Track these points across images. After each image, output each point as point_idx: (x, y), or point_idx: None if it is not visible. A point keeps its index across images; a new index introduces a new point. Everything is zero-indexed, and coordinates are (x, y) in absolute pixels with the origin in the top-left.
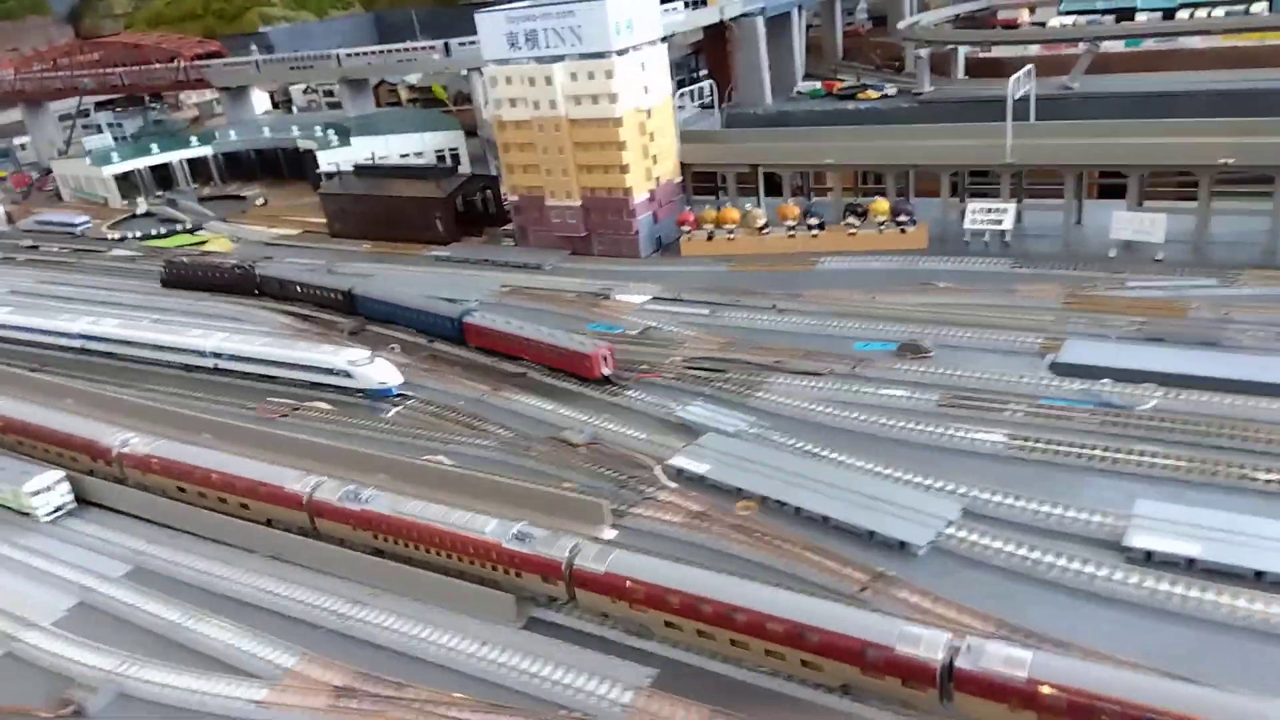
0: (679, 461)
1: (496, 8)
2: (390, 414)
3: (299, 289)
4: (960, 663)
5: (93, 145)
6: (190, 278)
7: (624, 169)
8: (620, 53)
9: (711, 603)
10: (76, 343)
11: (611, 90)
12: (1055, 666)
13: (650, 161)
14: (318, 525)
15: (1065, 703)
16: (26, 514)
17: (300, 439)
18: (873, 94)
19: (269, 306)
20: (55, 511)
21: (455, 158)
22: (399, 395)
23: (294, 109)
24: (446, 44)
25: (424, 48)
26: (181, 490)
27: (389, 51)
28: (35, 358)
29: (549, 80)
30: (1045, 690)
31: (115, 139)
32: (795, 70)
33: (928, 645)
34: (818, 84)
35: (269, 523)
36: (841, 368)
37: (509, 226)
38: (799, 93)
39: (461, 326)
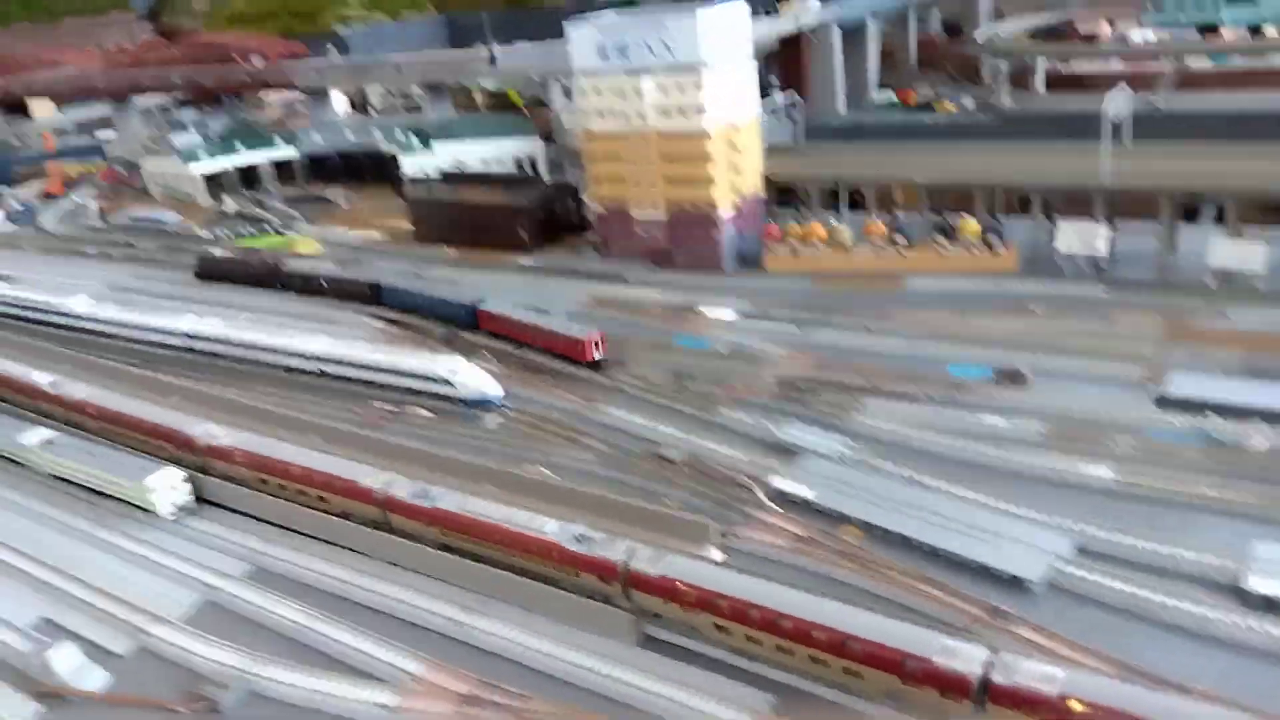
0: (780, 483)
1: (586, 19)
2: (490, 423)
3: (323, 283)
4: (996, 677)
5: (181, 144)
6: (222, 272)
7: (710, 183)
8: (710, 65)
9: (760, 609)
10: (181, 340)
11: (700, 103)
12: (1086, 684)
13: (736, 175)
14: (391, 520)
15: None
16: (147, 510)
17: (412, 447)
18: (950, 106)
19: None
20: (176, 509)
21: (533, 164)
22: (497, 405)
23: (371, 111)
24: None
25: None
26: (264, 482)
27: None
28: (140, 354)
29: (638, 92)
30: (1075, 706)
31: (202, 137)
32: (869, 80)
33: (965, 659)
34: (892, 94)
35: (345, 516)
36: (938, 392)
37: (591, 235)
38: (873, 102)
39: (475, 314)
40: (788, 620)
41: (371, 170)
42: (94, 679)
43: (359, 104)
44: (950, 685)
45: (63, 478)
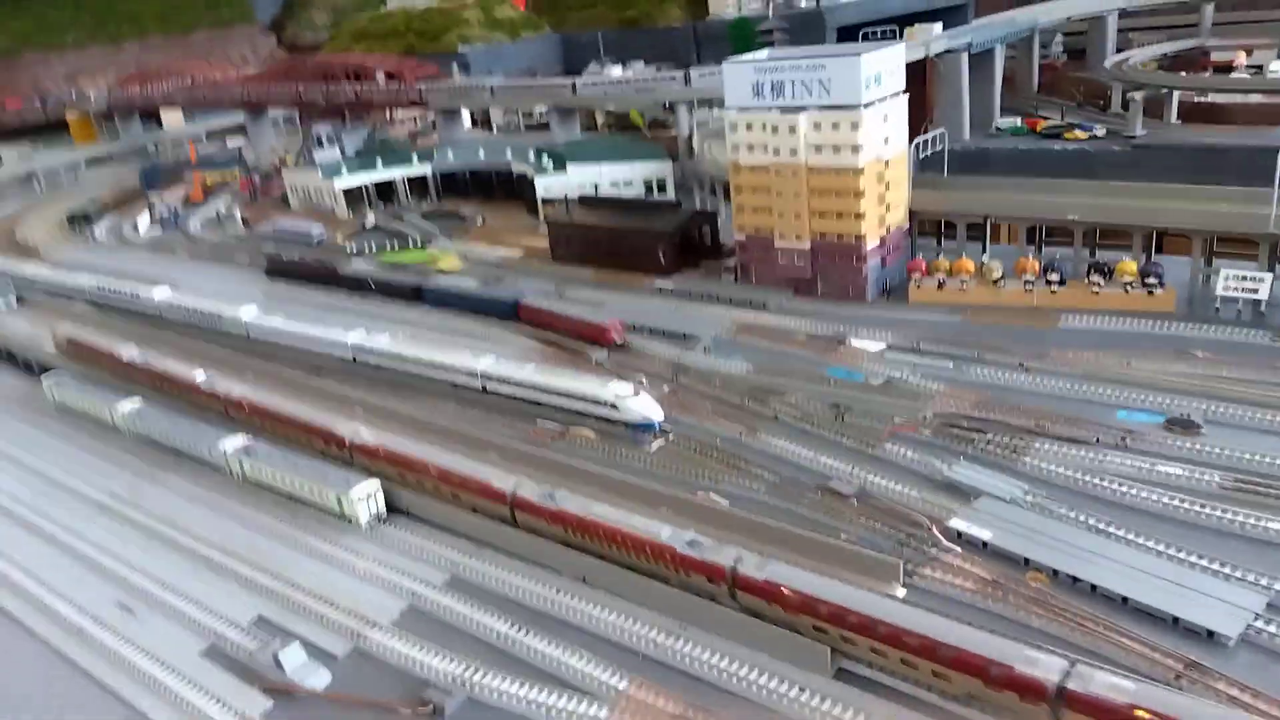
0: (959, 524)
1: (743, 59)
2: (654, 447)
3: (372, 284)
4: (1071, 685)
5: (323, 159)
6: (288, 269)
7: (859, 216)
8: (867, 105)
9: (856, 614)
10: (349, 353)
11: (856, 142)
12: (1154, 697)
13: (883, 209)
14: (517, 519)
15: None
16: (348, 519)
17: (583, 468)
18: (1080, 134)
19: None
20: (373, 518)
21: (661, 186)
22: (660, 429)
23: (494, 128)
24: (687, 74)
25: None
26: (402, 477)
27: (625, 82)
28: (307, 364)
29: (792, 129)
30: (1141, 714)
31: (339, 152)
32: (993, 105)
33: (1045, 667)
34: (1017, 120)
35: (474, 510)
36: (1106, 437)
37: (728, 261)
38: (998, 128)
39: (517, 307)
40: (883, 626)
41: (502, 188)
42: (318, 678)
43: (480, 120)
44: (1030, 690)
45: (259, 483)
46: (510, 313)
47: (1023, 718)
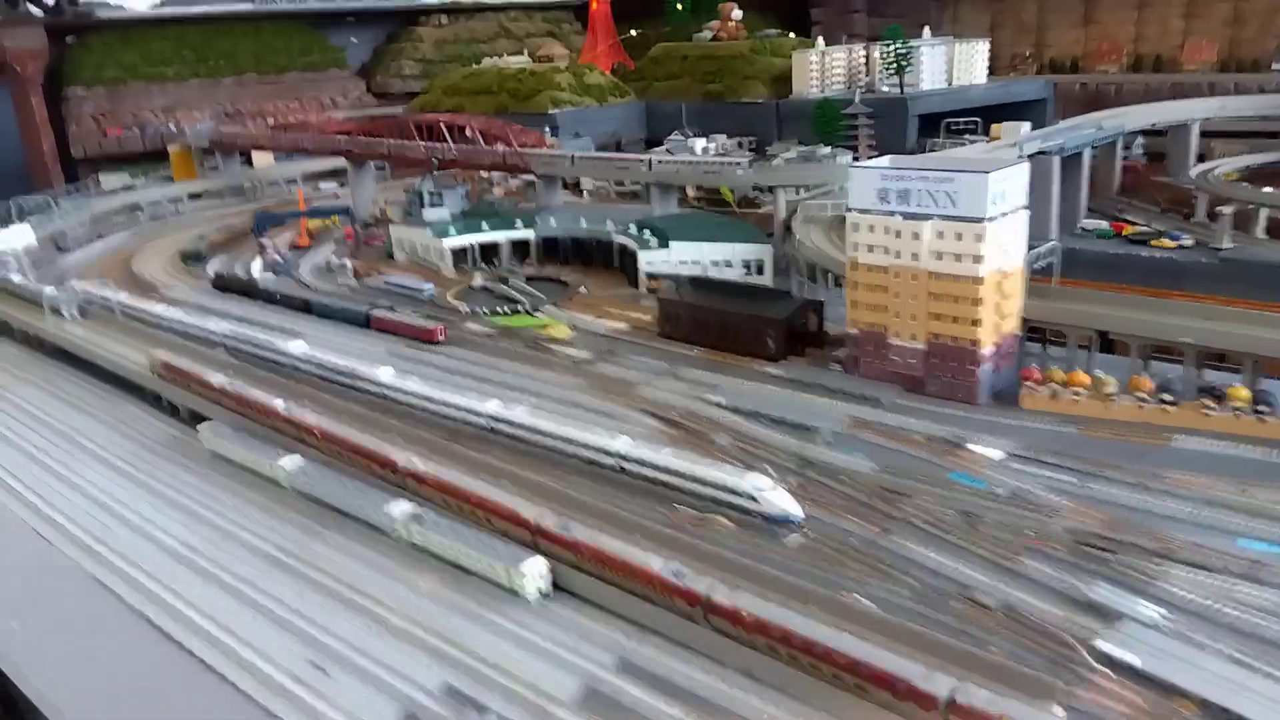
0: (1106, 646)
1: (871, 164)
2: (792, 541)
3: (278, 297)
4: (959, 698)
5: (433, 217)
6: (228, 284)
7: (976, 322)
8: (991, 219)
9: (796, 636)
10: (484, 421)
11: (979, 253)
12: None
13: (999, 317)
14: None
15: None
16: (514, 592)
17: (727, 557)
18: (1168, 243)
19: None
20: (540, 593)
21: (760, 268)
22: (797, 524)
23: (584, 193)
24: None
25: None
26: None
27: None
28: (445, 429)
29: (916, 236)
30: None
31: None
32: (1080, 207)
33: (936, 682)
34: (1104, 222)
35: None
36: (1235, 566)
37: (836, 352)
38: (1084, 229)
39: (369, 318)
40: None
41: (601, 256)
42: None
43: (569, 184)
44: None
45: (426, 549)
46: (364, 321)
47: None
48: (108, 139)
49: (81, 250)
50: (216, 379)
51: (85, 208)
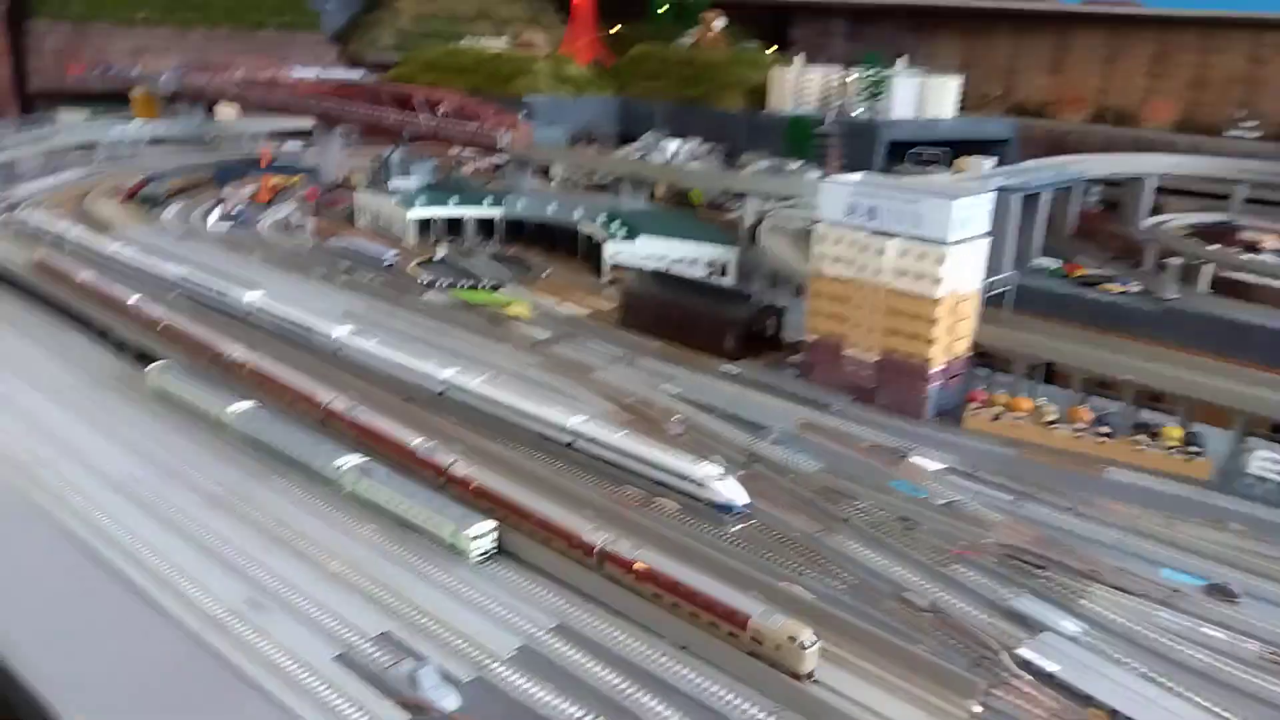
0: (1027, 653)
1: (843, 179)
2: (734, 529)
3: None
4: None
5: (399, 186)
6: None
7: (930, 341)
8: (953, 243)
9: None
10: (440, 387)
11: (938, 274)
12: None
13: (951, 338)
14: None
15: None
16: (459, 552)
17: (674, 538)
18: (1116, 287)
19: None
20: (483, 556)
21: (724, 270)
22: (741, 513)
23: (550, 180)
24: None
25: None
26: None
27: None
28: (397, 390)
29: (879, 252)
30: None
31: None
32: (1034, 244)
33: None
34: (1056, 262)
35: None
36: (1155, 592)
37: (791, 357)
38: (1037, 267)
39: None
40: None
41: (565, 243)
42: (450, 700)
43: (537, 170)
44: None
45: (371, 502)
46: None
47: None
48: (68, 76)
49: (35, 182)
50: (84, 275)
51: (41, 139)
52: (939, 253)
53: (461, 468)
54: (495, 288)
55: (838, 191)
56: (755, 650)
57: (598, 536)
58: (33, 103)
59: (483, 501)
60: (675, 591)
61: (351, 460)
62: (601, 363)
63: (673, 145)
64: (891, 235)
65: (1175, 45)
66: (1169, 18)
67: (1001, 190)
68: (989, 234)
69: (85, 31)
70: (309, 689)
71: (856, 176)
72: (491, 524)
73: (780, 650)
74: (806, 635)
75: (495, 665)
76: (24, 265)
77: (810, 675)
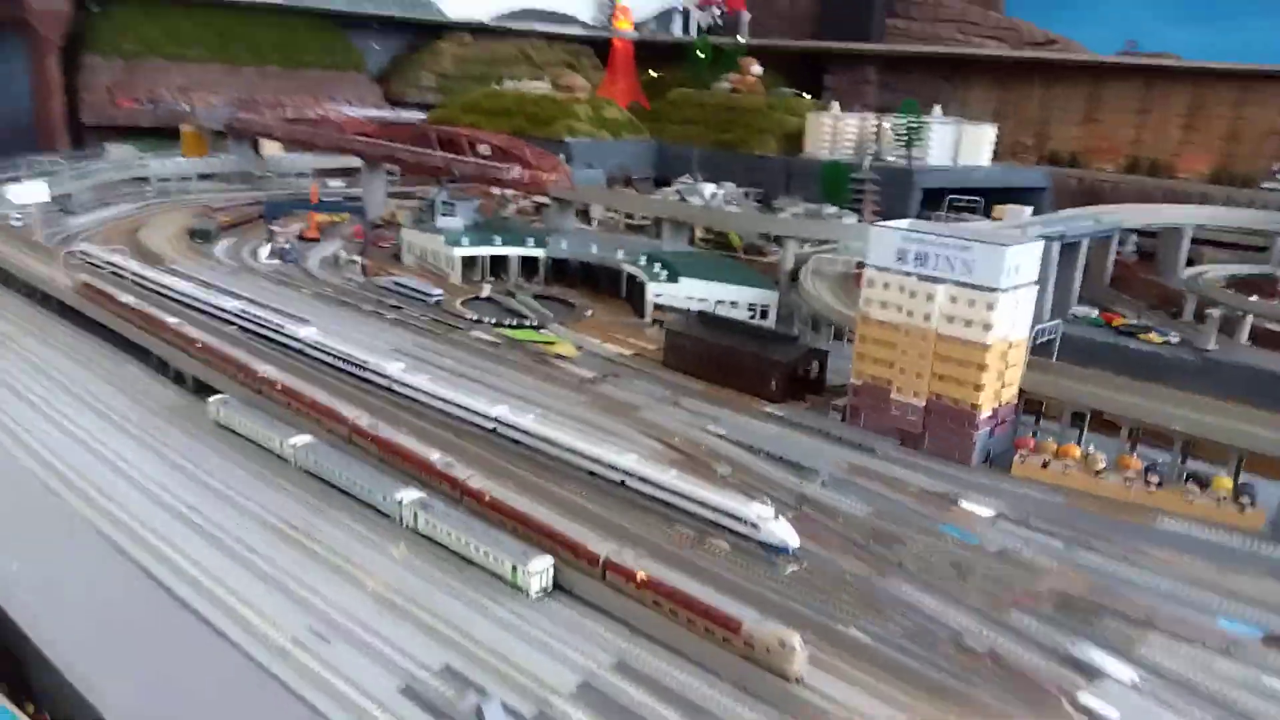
0: (1088, 700)
1: (893, 224)
2: (787, 571)
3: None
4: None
5: (446, 225)
6: None
7: (979, 388)
8: (1004, 290)
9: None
10: (491, 425)
11: (989, 321)
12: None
13: (1000, 384)
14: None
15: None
16: (517, 588)
17: (729, 579)
18: (1156, 338)
19: None
20: (541, 592)
21: (765, 314)
22: (793, 555)
23: (592, 221)
24: None
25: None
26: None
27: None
28: (452, 428)
29: (930, 298)
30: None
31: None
32: (1073, 293)
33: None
34: (1095, 311)
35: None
36: (1212, 641)
37: (837, 400)
38: (1075, 316)
39: None
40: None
41: (608, 283)
42: None
43: (579, 212)
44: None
45: (431, 538)
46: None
47: None
48: (119, 110)
49: (87, 215)
50: (144, 307)
51: (93, 174)
52: (990, 299)
53: (477, 481)
54: (538, 327)
55: (887, 237)
56: (747, 655)
57: (603, 547)
58: (83, 135)
59: (496, 515)
60: (674, 599)
61: (410, 495)
62: (646, 402)
63: (709, 188)
64: (942, 281)
65: (1210, 97)
66: (1204, 70)
67: (1041, 238)
68: (1037, 283)
69: (137, 67)
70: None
71: (905, 223)
72: (549, 560)
73: (771, 654)
74: (795, 640)
75: (557, 700)
76: (83, 296)
77: (799, 679)
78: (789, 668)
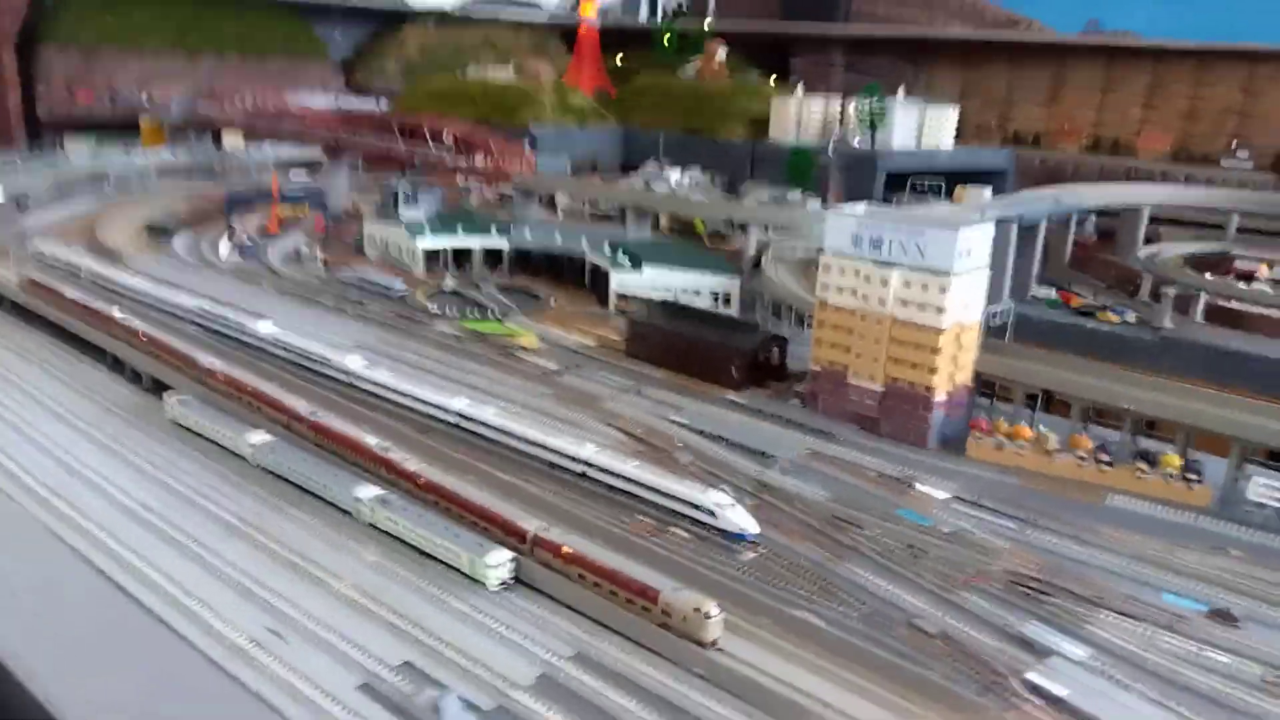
0: (1036, 678)
1: (847, 211)
2: (746, 558)
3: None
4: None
5: (408, 217)
6: None
7: (933, 370)
8: (955, 274)
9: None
10: (453, 419)
11: (941, 304)
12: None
13: (954, 367)
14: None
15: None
16: (477, 581)
17: (688, 566)
18: (1113, 317)
19: None
20: (501, 585)
21: (728, 300)
22: (752, 541)
23: (558, 211)
24: None
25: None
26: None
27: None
28: (415, 423)
29: (884, 282)
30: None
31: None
32: (1031, 274)
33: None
34: (1053, 292)
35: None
36: (1159, 618)
37: (796, 386)
38: (1034, 297)
39: None
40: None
41: (572, 273)
42: None
43: (544, 200)
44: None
45: (389, 533)
46: None
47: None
48: (76, 104)
49: (43, 211)
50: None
51: (50, 170)
52: (943, 282)
53: (413, 464)
54: (502, 318)
55: (843, 223)
56: (665, 622)
57: (531, 524)
58: (40, 130)
59: (431, 496)
60: (597, 572)
61: (370, 491)
62: (610, 393)
63: (675, 174)
64: (896, 265)
65: (1170, 76)
66: (1164, 49)
67: (1000, 220)
68: (990, 264)
69: (94, 58)
70: (334, 718)
71: (861, 208)
72: (509, 554)
73: (687, 621)
74: (710, 607)
75: (516, 693)
76: (30, 293)
77: (714, 643)
78: (704, 634)
